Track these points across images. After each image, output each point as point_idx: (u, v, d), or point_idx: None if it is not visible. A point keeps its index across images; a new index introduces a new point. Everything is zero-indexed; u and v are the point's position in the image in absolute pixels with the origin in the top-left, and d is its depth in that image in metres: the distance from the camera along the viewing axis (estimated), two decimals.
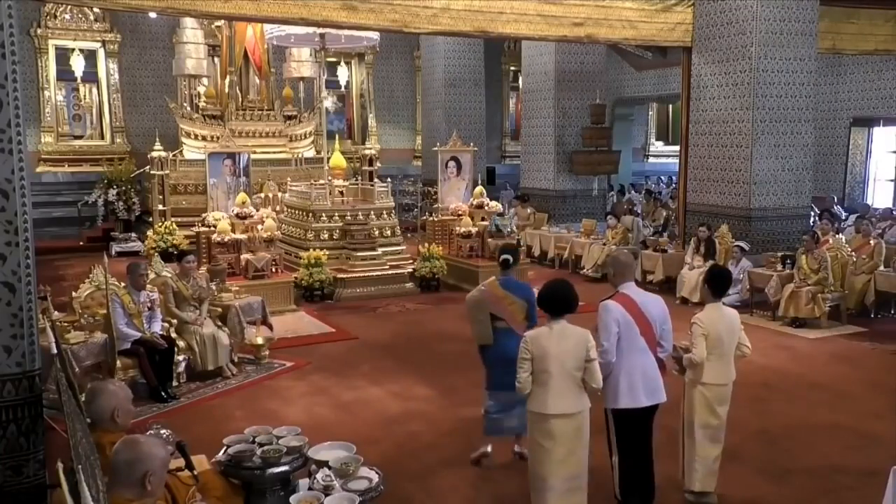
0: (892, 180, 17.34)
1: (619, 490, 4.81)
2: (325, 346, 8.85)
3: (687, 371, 4.85)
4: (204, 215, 12.31)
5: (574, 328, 4.31)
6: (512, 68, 22.56)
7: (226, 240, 10.76)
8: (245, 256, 10.59)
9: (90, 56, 18.02)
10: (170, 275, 7.80)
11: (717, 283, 4.96)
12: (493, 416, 5.56)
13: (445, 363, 8.15)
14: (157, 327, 7.21)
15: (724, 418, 4.86)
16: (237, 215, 11.01)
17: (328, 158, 13.29)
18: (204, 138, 15.81)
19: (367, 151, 13.81)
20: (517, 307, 5.45)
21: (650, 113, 24.31)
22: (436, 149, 14.03)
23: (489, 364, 5.59)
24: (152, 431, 3.90)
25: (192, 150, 15.84)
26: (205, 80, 17.30)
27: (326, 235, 11.99)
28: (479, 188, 12.96)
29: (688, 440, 4.88)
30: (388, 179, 15.10)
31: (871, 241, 10.49)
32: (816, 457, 5.39)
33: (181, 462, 3.62)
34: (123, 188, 16.21)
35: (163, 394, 6.91)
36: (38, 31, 17.22)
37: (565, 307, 4.35)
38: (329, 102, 17.48)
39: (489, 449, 5.62)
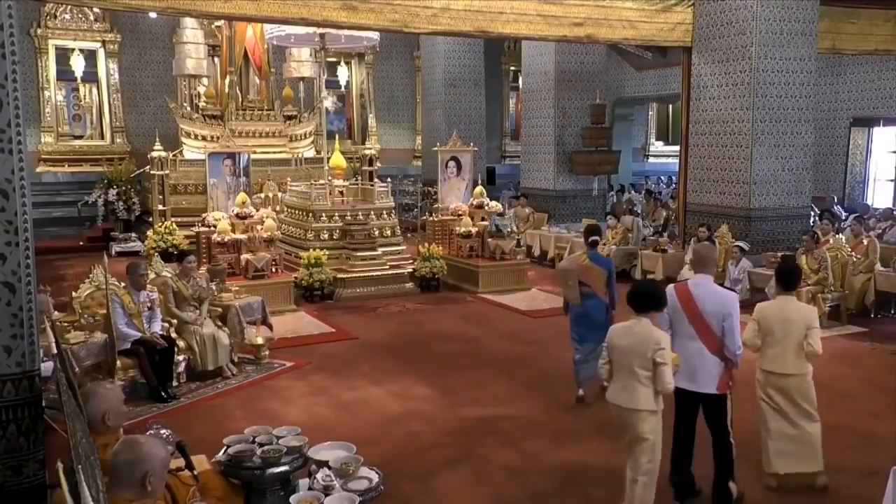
0: (892, 180, 17.33)
1: (727, 471, 4.88)
2: (325, 346, 8.85)
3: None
4: (204, 215, 12.31)
5: (647, 329, 4.40)
6: (512, 68, 22.56)
7: (226, 240, 10.77)
8: (245, 256, 10.59)
9: (90, 56, 18.02)
10: (170, 275, 7.80)
11: (785, 277, 5.23)
12: (580, 366, 6.80)
13: (445, 363, 8.16)
14: (157, 327, 7.21)
15: (782, 404, 5.03)
16: (237, 215, 11.01)
17: (328, 158, 13.29)
18: (204, 138, 15.81)
19: (367, 151, 13.80)
20: (599, 275, 6.69)
21: (650, 113, 24.31)
22: (436, 149, 14.02)
23: (575, 320, 6.90)
24: (152, 431, 3.90)
25: (192, 150, 15.84)
26: (205, 80, 17.31)
27: (326, 235, 11.99)
28: (479, 188, 12.96)
29: (759, 427, 5.16)
30: (388, 179, 15.11)
31: (865, 241, 10.49)
32: None
33: (181, 462, 3.62)
34: (123, 188, 16.23)
35: (163, 394, 6.91)
36: (38, 31, 17.22)
37: (648, 304, 4.46)
38: (329, 102, 17.47)
39: (581, 393, 6.81)
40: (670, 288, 4.88)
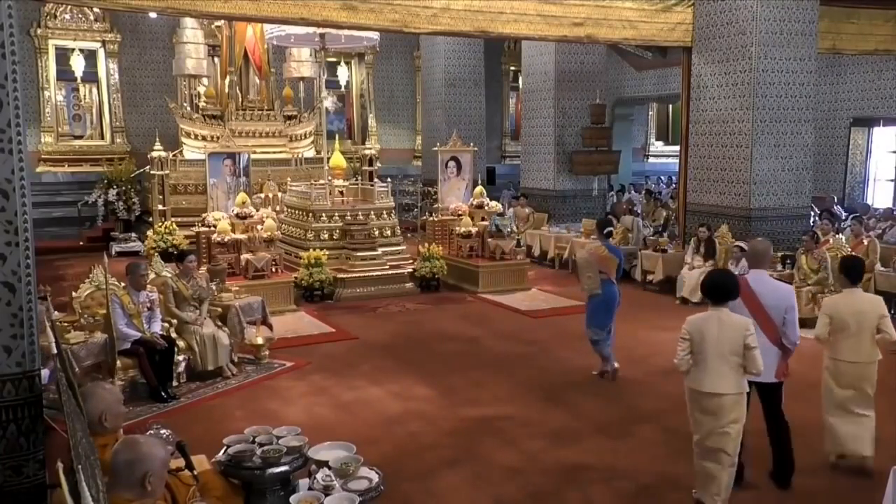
0: (892, 180, 17.32)
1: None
2: (325, 346, 8.85)
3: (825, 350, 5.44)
4: (204, 215, 12.31)
5: (734, 316, 4.61)
6: (512, 68, 22.55)
7: (226, 240, 10.77)
8: (245, 256, 10.59)
9: (90, 56, 18.02)
10: (170, 275, 7.79)
11: (850, 270, 5.44)
12: (601, 345, 7.46)
13: (445, 363, 8.16)
14: (157, 327, 7.21)
15: (851, 391, 5.32)
16: (237, 215, 11.01)
17: (328, 158, 13.29)
18: (204, 138, 15.82)
19: (367, 151, 13.81)
20: (614, 264, 7.36)
21: (650, 113, 24.30)
22: (436, 149, 14.02)
23: (594, 306, 7.47)
24: (152, 431, 3.90)
25: (192, 150, 15.84)
26: (205, 80, 17.31)
27: (326, 235, 11.99)
28: (479, 188, 12.96)
29: (824, 410, 5.44)
30: (388, 179, 15.11)
31: (865, 241, 10.48)
32: (816, 457, 5.38)
33: (181, 462, 3.61)
34: (123, 188, 16.23)
35: (163, 394, 6.91)
36: (38, 31, 17.22)
37: (726, 295, 4.63)
38: (329, 102, 17.47)
39: (616, 366, 7.48)
40: None
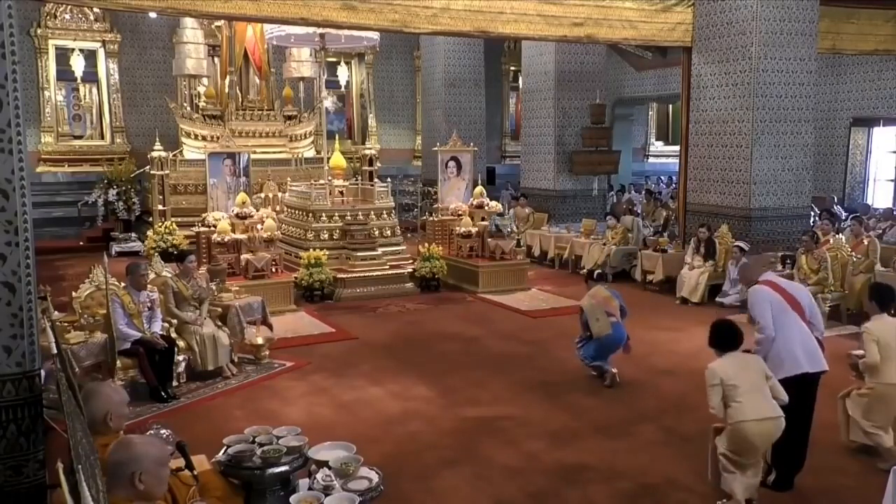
0: (892, 180, 17.32)
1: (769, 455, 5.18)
2: (325, 346, 8.84)
3: (866, 376, 5.51)
4: (204, 215, 12.32)
5: (745, 355, 4.85)
6: (512, 68, 22.54)
7: (226, 240, 10.77)
8: (245, 256, 10.59)
9: (90, 56, 18.01)
10: (170, 275, 7.79)
11: (881, 297, 5.61)
12: (588, 362, 7.62)
13: (445, 363, 8.16)
14: (157, 327, 7.21)
15: (886, 415, 5.46)
16: (237, 215, 11.02)
17: (328, 158, 13.29)
18: (204, 138, 15.81)
19: (367, 151, 13.81)
20: (616, 305, 7.62)
21: (650, 113, 24.29)
22: (436, 149, 14.02)
23: (603, 348, 7.55)
24: (152, 431, 3.90)
25: (192, 150, 15.84)
26: (205, 80, 17.30)
27: (326, 235, 11.99)
28: (479, 188, 12.95)
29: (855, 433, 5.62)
30: (388, 179, 15.11)
31: (865, 240, 10.48)
32: (816, 457, 5.38)
33: (181, 462, 3.61)
34: (123, 188, 16.21)
35: (163, 394, 6.91)
36: (38, 31, 17.20)
37: (734, 343, 4.83)
38: (329, 102, 17.45)
39: (614, 370, 7.49)
40: (761, 287, 5.20)
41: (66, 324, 6.85)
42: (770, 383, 4.71)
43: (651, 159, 24.63)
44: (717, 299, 10.77)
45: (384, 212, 12.57)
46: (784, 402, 4.69)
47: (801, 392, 5.03)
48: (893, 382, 5.38)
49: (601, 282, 8.01)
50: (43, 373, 5.09)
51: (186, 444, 3.68)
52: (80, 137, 18.16)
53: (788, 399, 4.76)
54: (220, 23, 15.90)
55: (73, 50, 17.71)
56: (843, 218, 14.21)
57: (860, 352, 5.57)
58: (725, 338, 4.83)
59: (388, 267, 11.73)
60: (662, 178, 22.37)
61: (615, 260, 12.43)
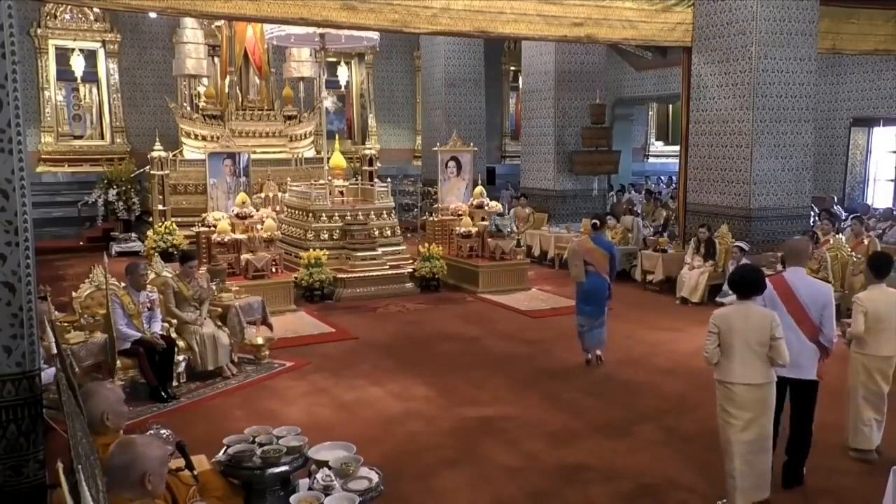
0: (892, 180, 17.32)
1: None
2: (325, 346, 8.85)
3: (851, 343, 5.53)
4: (204, 215, 12.31)
5: (759, 309, 4.71)
6: (512, 68, 22.54)
7: (226, 240, 10.77)
8: (245, 256, 10.59)
9: (90, 56, 18.01)
10: (170, 275, 7.79)
11: (878, 266, 5.56)
12: (583, 333, 7.86)
13: (445, 363, 8.16)
14: (157, 327, 7.20)
15: (884, 387, 5.47)
16: (237, 215, 11.02)
17: (328, 158, 13.29)
18: (204, 138, 15.82)
19: (367, 151, 13.81)
20: (602, 256, 7.58)
21: (650, 113, 24.29)
22: (436, 149, 14.03)
23: (579, 296, 7.89)
24: (152, 431, 3.89)
25: (192, 150, 15.84)
26: (205, 80, 17.30)
27: (326, 235, 11.99)
28: (479, 188, 12.96)
29: (852, 404, 5.56)
30: (388, 179, 15.11)
31: (865, 240, 10.48)
32: (816, 457, 5.38)
33: (181, 462, 3.61)
34: (123, 188, 16.21)
35: (163, 394, 6.91)
36: (38, 31, 17.20)
37: (753, 289, 4.72)
38: (329, 102, 17.43)
39: (589, 357, 7.94)
40: (766, 280, 5.10)
41: (66, 324, 6.85)
42: (775, 343, 4.62)
43: (651, 159, 24.64)
44: (717, 299, 10.74)
45: (384, 212, 12.57)
46: (782, 364, 4.62)
47: (793, 394, 5.10)
48: (880, 354, 5.41)
49: (597, 230, 8.01)
50: (52, 371, 5.10)
51: (186, 444, 3.69)
52: (80, 137, 18.15)
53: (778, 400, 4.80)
54: (220, 23, 15.90)
55: (73, 50, 17.70)
56: (843, 218, 14.22)
57: (850, 320, 5.59)
58: (740, 282, 4.77)
59: (388, 267, 11.73)
60: (662, 178, 22.37)
61: None
